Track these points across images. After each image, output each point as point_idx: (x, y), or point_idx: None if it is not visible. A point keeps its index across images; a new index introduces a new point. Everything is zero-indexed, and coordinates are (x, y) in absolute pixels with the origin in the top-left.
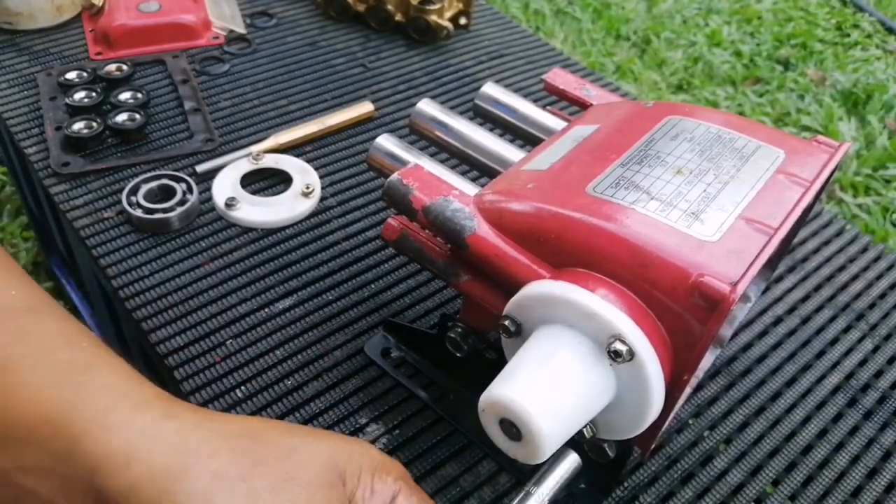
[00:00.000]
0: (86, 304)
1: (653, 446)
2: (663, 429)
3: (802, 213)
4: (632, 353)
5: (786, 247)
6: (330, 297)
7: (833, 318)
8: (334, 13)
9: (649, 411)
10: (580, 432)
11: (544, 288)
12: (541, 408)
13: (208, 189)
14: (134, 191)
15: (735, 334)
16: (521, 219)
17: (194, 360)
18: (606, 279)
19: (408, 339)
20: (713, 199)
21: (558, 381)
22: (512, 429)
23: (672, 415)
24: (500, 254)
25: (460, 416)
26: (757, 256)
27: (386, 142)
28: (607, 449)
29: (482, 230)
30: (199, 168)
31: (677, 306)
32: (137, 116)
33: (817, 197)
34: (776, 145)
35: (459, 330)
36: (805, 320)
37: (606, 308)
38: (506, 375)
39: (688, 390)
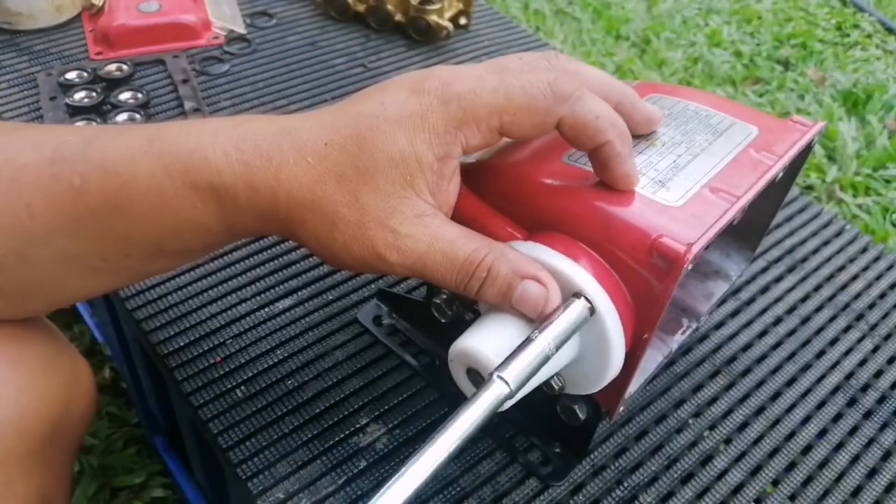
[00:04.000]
0: (86, 304)
1: (620, 409)
2: (629, 391)
3: (770, 184)
4: (592, 310)
5: (765, 226)
6: (330, 297)
7: (833, 318)
8: (334, 13)
9: (610, 366)
10: (550, 385)
11: (514, 248)
12: (503, 356)
13: None
14: None
15: (735, 334)
16: (499, 184)
17: (194, 360)
18: (575, 241)
19: (399, 307)
20: (682, 170)
21: (522, 333)
22: (478, 377)
23: (640, 381)
24: (477, 217)
25: (445, 382)
26: (716, 221)
27: None
28: (578, 411)
29: (463, 194)
30: None
31: (638, 266)
32: (137, 116)
33: (793, 175)
34: (751, 123)
35: (444, 296)
36: (805, 320)
37: (569, 266)
38: (473, 329)
39: (658, 356)
